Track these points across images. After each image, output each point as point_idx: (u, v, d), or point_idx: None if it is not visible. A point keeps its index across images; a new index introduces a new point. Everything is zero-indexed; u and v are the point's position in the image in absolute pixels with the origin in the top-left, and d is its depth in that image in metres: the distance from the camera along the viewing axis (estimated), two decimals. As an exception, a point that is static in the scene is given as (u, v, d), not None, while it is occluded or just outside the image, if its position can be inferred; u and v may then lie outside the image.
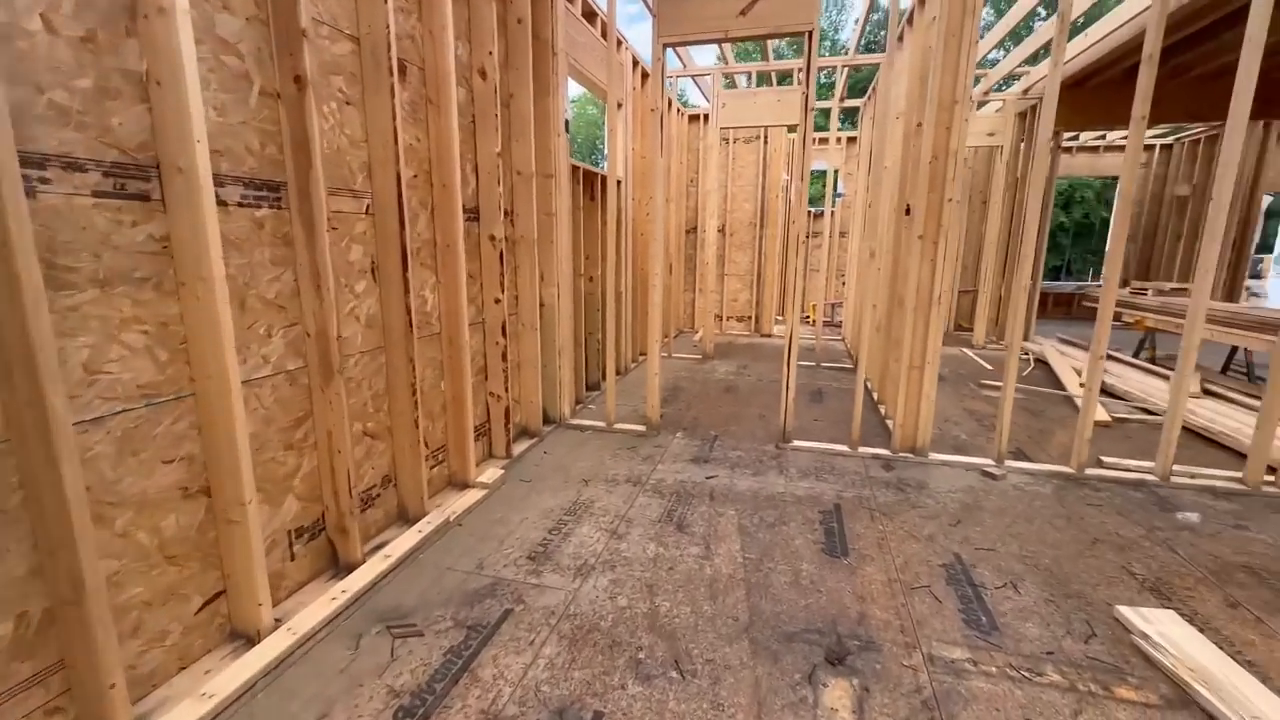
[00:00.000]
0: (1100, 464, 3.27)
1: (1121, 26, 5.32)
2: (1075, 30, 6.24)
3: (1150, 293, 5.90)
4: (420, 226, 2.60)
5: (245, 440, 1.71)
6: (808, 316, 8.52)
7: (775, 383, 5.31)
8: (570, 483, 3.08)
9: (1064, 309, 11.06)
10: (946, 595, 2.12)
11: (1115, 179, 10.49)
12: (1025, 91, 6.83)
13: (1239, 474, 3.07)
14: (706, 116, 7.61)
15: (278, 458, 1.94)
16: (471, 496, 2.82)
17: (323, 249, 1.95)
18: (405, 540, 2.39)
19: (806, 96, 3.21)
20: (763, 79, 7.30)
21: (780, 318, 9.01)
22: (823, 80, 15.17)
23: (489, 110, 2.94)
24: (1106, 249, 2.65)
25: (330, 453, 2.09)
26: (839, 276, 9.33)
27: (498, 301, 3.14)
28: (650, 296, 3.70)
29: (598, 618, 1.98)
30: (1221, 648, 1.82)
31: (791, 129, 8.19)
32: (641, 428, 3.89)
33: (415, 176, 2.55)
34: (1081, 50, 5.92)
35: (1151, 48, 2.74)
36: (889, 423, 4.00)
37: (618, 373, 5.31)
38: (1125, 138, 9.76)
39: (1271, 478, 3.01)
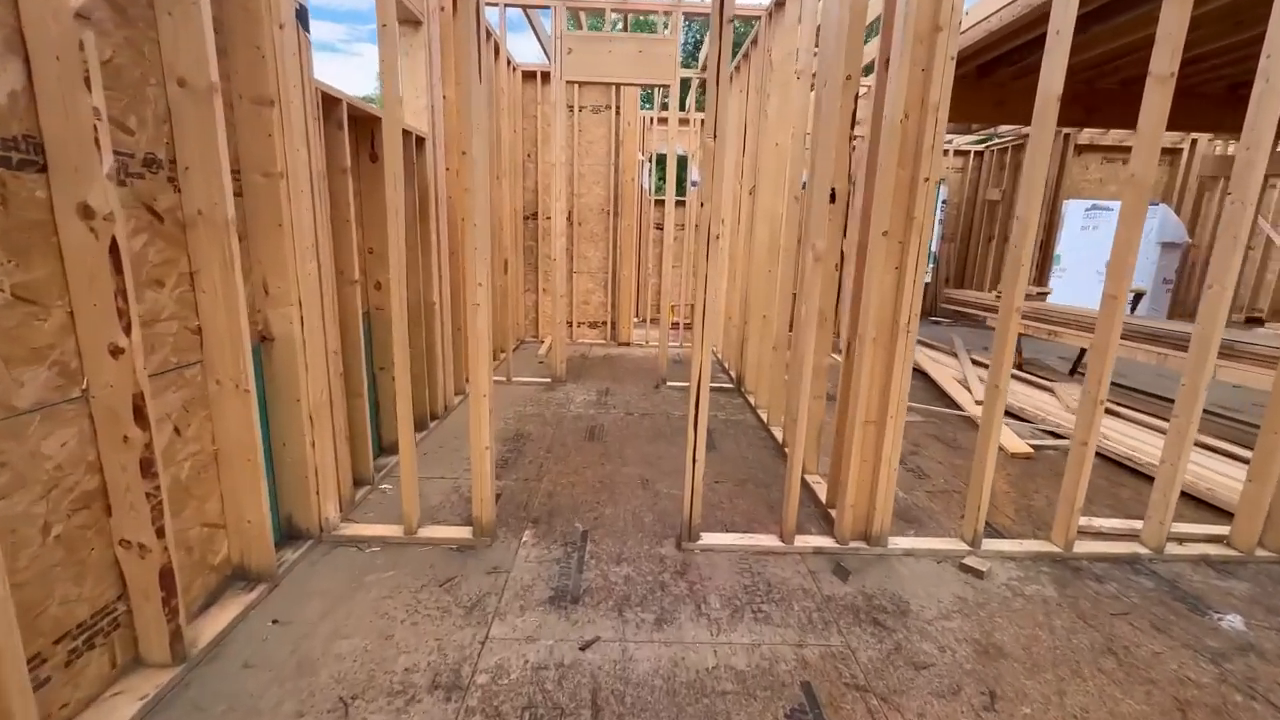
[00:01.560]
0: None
1: (979, 23, 4.95)
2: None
3: (1014, 297, 5.81)
4: None
5: None
6: (676, 322, 7.53)
7: (649, 416, 4.12)
8: (311, 715, 1.52)
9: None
10: None
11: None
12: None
13: (1223, 531, 2.53)
14: (546, 75, 6.15)
15: None
16: None
17: None
18: None
19: (722, 4, 1.97)
20: (616, 27, 6.02)
21: (638, 319, 7.91)
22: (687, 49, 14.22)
23: (43, -95, 1.23)
24: (1113, 268, 1.76)
25: None
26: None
27: (119, 352, 1.44)
28: (470, 318, 2.22)
29: None
30: None
31: (649, 97, 7.06)
32: (466, 532, 2.40)
33: None
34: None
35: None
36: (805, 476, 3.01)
37: (433, 417, 3.69)
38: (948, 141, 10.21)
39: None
